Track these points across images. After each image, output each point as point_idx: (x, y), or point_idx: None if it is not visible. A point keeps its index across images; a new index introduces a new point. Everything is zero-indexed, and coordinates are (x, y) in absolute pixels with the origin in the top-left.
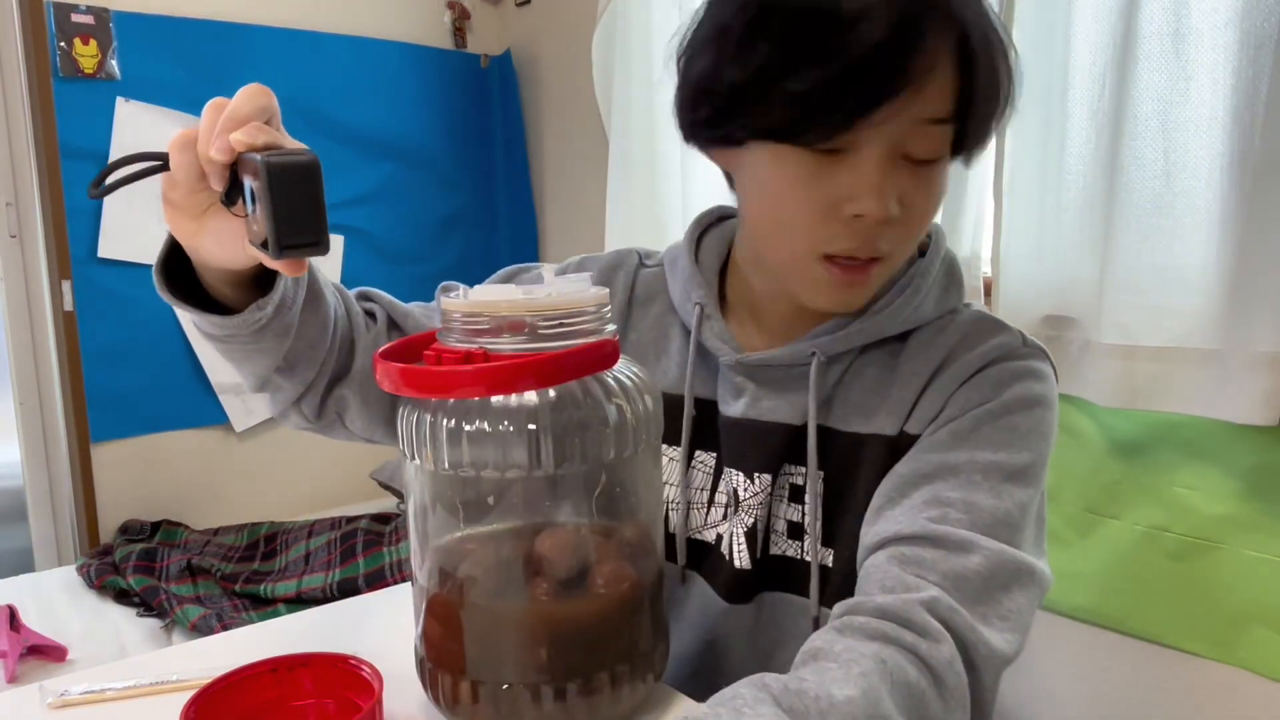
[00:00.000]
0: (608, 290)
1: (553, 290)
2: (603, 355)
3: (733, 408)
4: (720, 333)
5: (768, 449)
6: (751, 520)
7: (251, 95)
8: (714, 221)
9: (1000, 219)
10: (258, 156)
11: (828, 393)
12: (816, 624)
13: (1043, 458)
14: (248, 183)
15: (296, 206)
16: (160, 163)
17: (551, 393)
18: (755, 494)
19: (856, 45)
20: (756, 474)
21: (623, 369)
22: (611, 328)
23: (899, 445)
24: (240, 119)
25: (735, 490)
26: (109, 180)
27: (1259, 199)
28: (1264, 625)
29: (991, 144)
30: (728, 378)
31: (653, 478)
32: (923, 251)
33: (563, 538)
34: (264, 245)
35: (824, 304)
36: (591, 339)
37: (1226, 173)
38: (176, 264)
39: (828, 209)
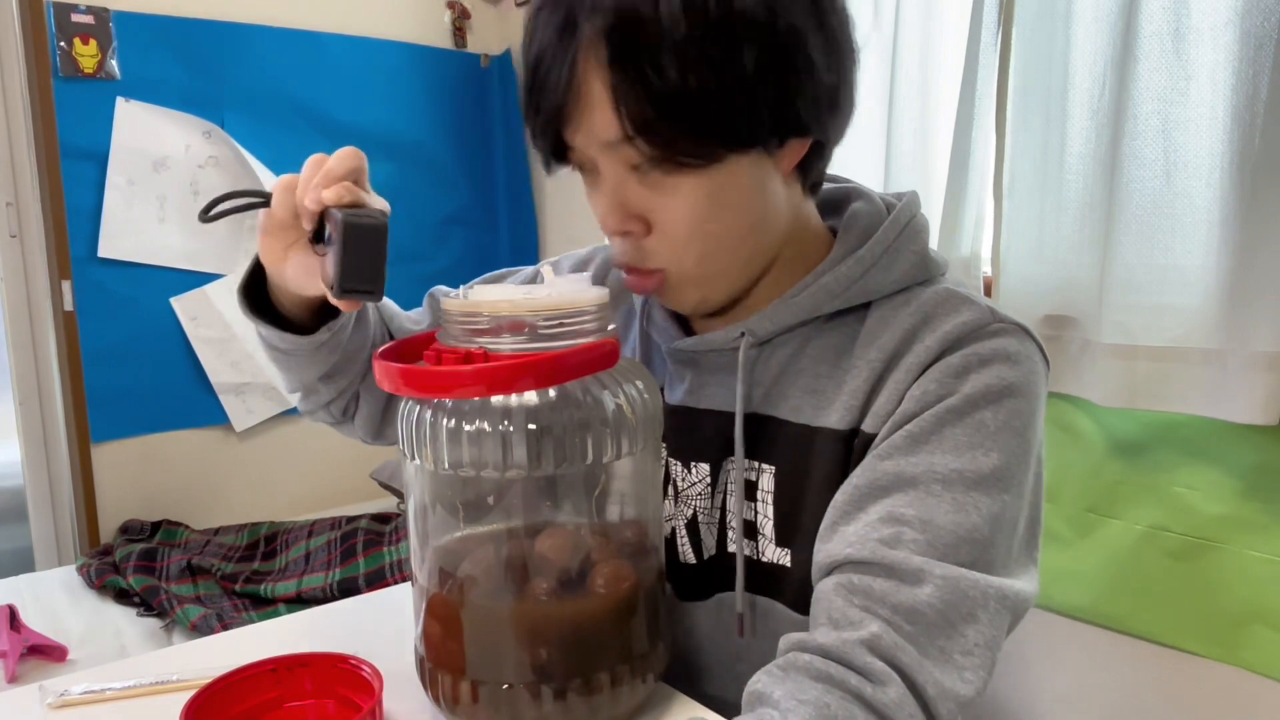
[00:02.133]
0: (608, 290)
1: (553, 290)
2: (603, 355)
3: (674, 395)
4: (663, 322)
5: (704, 438)
6: (691, 512)
7: (346, 157)
8: None
9: (1000, 219)
10: (339, 212)
11: (773, 378)
12: (741, 622)
13: (1018, 456)
14: (329, 230)
15: (361, 259)
16: (264, 200)
17: (551, 393)
18: (693, 484)
19: (526, 77)
20: (693, 464)
21: (623, 368)
22: (612, 327)
23: (853, 443)
24: (335, 177)
25: (674, 480)
26: (216, 210)
27: (1259, 199)
28: (1264, 625)
29: (991, 144)
30: (670, 367)
31: (653, 477)
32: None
33: (562, 538)
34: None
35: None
36: (591, 339)
37: (1226, 173)
38: (253, 285)
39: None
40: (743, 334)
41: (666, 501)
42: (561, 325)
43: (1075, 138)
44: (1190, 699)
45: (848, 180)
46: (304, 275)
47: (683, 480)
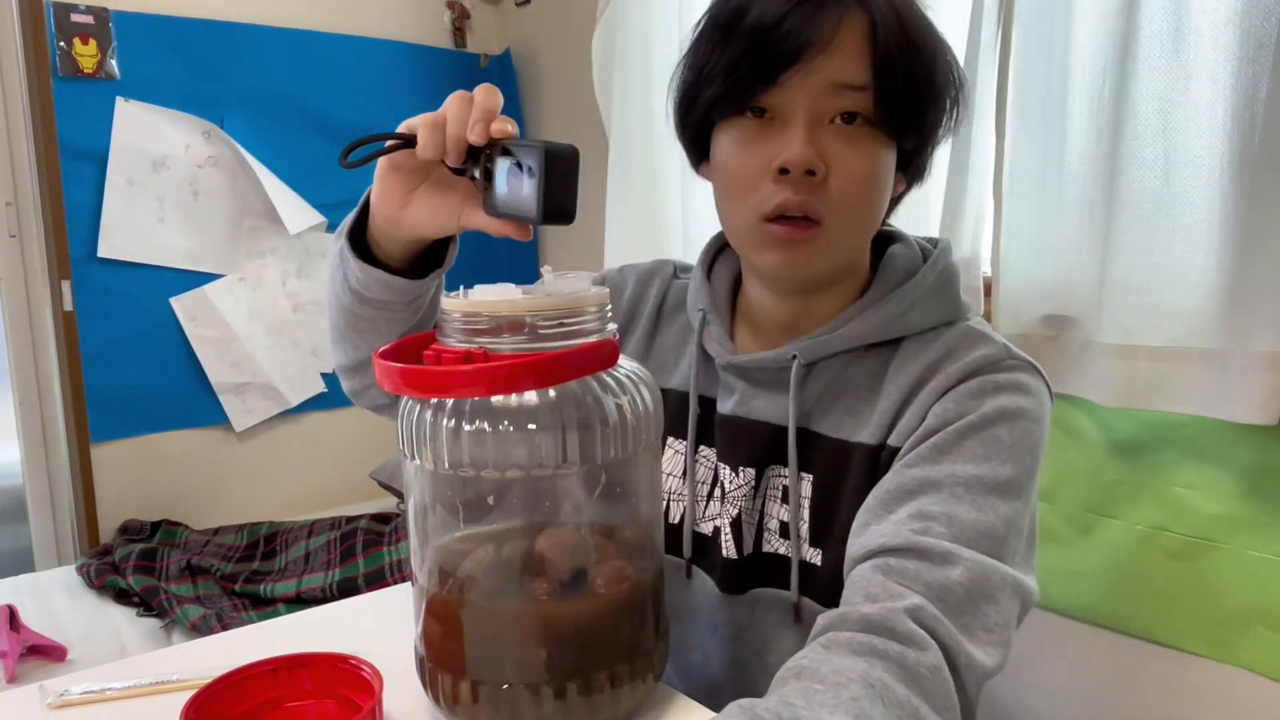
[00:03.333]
0: (608, 290)
1: (553, 290)
2: (603, 355)
3: (725, 405)
4: (719, 337)
5: (752, 445)
6: (736, 511)
7: (494, 92)
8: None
9: (1000, 219)
10: (533, 141)
11: (815, 397)
12: (796, 610)
13: (1028, 471)
14: (503, 162)
15: (561, 184)
16: (405, 141)
17: (551, 393)
18: (739, 486)
19: (764, 19)
20: (741, 468)
21: (623, 368)
22: (612, 327)
23: (881, 457)
24: (493, 112)
25: (722, 482)
26: (356, 155)
27: (1259, 199)
28: (1264, 625)
29: (991, 144)
30: (722, 378)
31: (653, 477)
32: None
33: (563, 538)
34: (503, 214)
35: (770, 265)
36: (592, 339)
37: (1226, 173)
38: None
39: (763, 167)
40: (794, 356)
41: (713, 501)
42: (561, 325)
43: (1075, 138)
44: (1190, 699)
45: (887, 224)
46: (438, 215)
47: (730, 482)
